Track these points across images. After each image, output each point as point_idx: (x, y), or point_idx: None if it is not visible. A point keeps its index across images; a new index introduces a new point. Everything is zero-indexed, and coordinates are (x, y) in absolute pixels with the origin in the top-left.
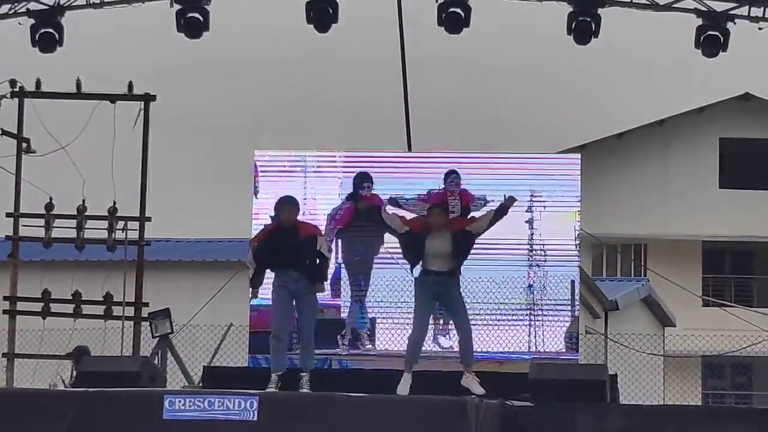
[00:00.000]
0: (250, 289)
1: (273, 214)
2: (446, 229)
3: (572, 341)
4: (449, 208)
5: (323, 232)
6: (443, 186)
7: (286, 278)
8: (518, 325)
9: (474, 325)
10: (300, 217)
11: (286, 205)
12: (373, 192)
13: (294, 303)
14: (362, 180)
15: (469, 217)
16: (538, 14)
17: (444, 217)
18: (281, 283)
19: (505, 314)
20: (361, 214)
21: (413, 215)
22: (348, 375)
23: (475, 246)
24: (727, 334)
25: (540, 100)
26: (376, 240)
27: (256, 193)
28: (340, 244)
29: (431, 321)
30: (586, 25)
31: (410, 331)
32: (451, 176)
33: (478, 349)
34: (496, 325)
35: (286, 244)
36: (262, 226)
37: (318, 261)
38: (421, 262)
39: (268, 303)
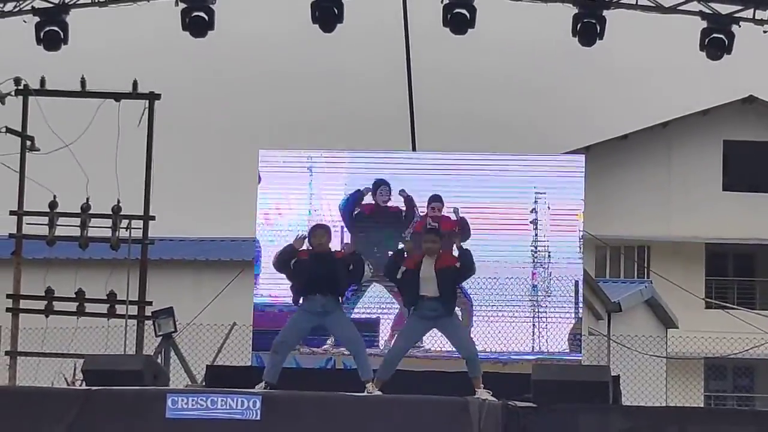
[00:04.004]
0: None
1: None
2: (438, 256)
3: (575, 342)
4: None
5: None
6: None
7: (313, 304)
8: (521, 325)
9: (477, 324)
10: (307, 218)
11: (320, 230)
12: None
13: (320, 324)
14: (379, 185)
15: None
16: (544, 15)
17: (438, 242)
18: (308, 308)
19: (508, 315)
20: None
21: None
22: (352, 374)
23: (479, 247)
24: (730, 337)
25: (545, 101)
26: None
27: (260, 192)
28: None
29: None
30: (591, 27)
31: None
32: (433, 202)
33: (481, 349)
34: (499, 325)
35: (318, 271)
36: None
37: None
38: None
39: (272, 302)
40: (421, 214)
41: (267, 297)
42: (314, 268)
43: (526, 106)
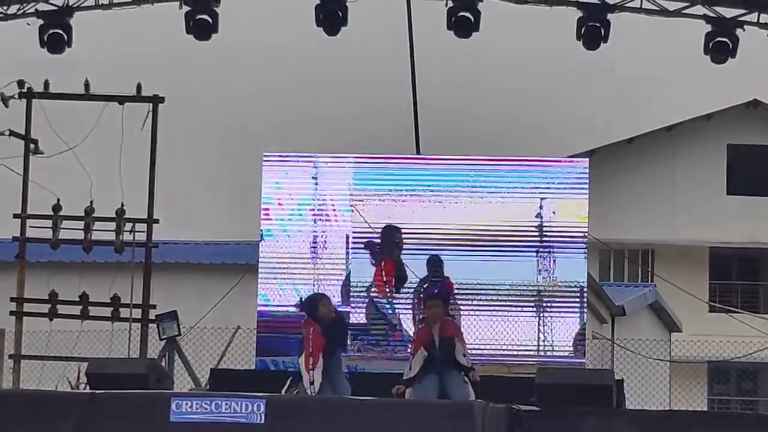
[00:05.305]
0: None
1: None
2: (440, 323)
3: (579, 346)
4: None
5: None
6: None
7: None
8: (526, 329)
9: (482, 328)
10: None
11: (325, 299)
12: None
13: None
14: (394, 232)
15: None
16: (549, 19)
17: (440, 307)
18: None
19: (513, 319)
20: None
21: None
22: (356, 377)
23: (484, 250)
24: (734, 340)
25: (549, 104)
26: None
27: (263, 194)
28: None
29: None
30: (596, 30)
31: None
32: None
33: (486, 353)
34: (504, 329)
35: (331, 335)
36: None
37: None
38: None
39: (276, 307)
40: None
41: (270, 301)
42: (330, 333)
43: (530, 110)
